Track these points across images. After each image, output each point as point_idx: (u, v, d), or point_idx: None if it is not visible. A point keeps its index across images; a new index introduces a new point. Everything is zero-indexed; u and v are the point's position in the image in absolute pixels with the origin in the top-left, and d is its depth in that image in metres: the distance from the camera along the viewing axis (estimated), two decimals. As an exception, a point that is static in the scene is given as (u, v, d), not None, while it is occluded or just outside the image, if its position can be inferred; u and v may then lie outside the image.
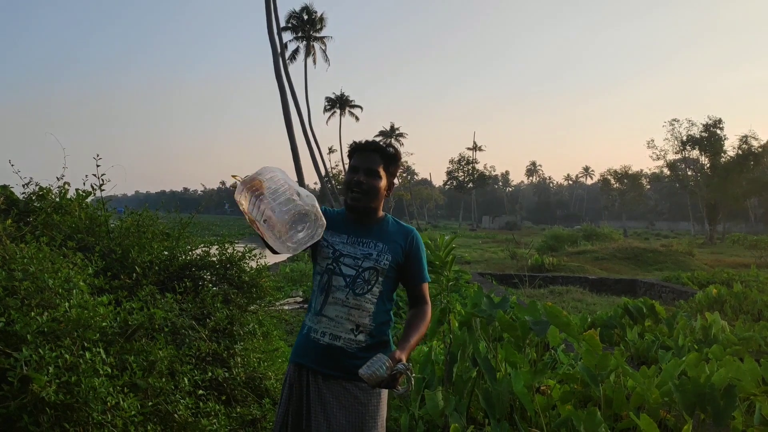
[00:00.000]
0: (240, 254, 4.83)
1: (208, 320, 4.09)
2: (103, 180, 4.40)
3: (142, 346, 3.37)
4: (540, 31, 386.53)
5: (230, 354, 4.32)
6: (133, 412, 2.84)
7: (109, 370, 2.86)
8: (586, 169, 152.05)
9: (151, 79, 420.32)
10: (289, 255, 2.79)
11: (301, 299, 11.78)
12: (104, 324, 2.93)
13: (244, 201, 2.21)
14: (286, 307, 9.95)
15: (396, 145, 2.64)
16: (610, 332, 7.42)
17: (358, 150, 2.54)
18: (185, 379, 3.43)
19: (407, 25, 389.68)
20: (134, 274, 3.97)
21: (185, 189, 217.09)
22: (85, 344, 2.88)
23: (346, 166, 2.62)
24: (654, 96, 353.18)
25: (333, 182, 58.99)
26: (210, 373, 3.67)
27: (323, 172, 46.26)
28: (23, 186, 4.25)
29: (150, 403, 3.08)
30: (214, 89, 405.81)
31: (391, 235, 2.54)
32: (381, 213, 2.62)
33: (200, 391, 3.63)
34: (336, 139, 71.87)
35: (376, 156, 2.49)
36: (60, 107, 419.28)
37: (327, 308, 2.47)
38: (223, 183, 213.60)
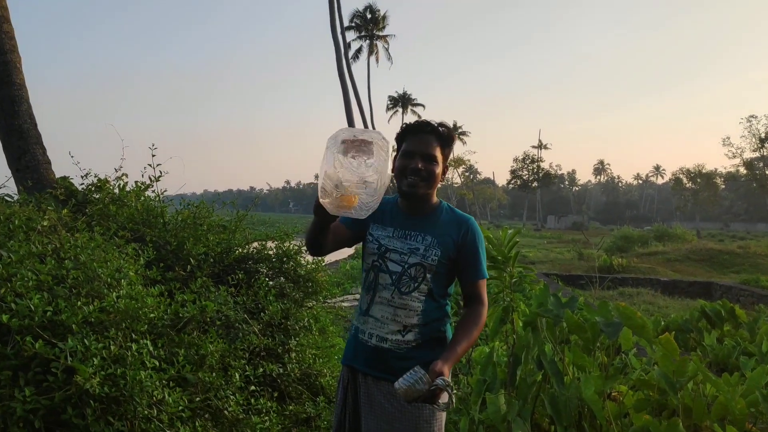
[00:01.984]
0: (297, 248, 4.72)
1: (262, 314, 3.99)
2: (161, 172, 4.38)
3: (193, 339, 3.28)
4: (608, 27, 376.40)
5: (285, 349, 4.21)
6: (180, 407, 2.74)
7: (157, 363, 2.77)
8: (657, 168, 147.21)
9: (212, 76, 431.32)
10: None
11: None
12: (153, 315, 2.84)
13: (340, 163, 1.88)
14: (344, 304, 9.85)
15: (448, 125, 2.37)
16: (685, 336, 7.00)
17: (410, 132, 2.32)
18: (236, 374, 3.32)
19: (470, 22, 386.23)
20: (189, 266, 3.91)
21: (251, 188, 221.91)
22: (133, 336, 2.80)
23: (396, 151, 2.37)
24: (730, 92, 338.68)
25: (394, 182, 58.77)
26: (262, 369, 3.55)
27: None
28: (82, 177, 4.26)
29: (198, 399, 2.98)
30: (278, 87, 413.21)
31: (443, 226, 2.31)
32: (435, 199, 2.40)
33: (252, 387, 3.52)
34: (399, 137, 71.86)
35: (432, 138, 2.28)
36: (128, 101, 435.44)
37: (373, 308, 2.32)
38: (287, 182, 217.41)
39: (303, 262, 4.70)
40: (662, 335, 3.57)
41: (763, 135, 51.55)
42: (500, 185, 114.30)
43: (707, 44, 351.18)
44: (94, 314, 2.64)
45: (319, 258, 4.87)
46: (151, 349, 2.72)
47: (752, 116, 53.11)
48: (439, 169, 2.28)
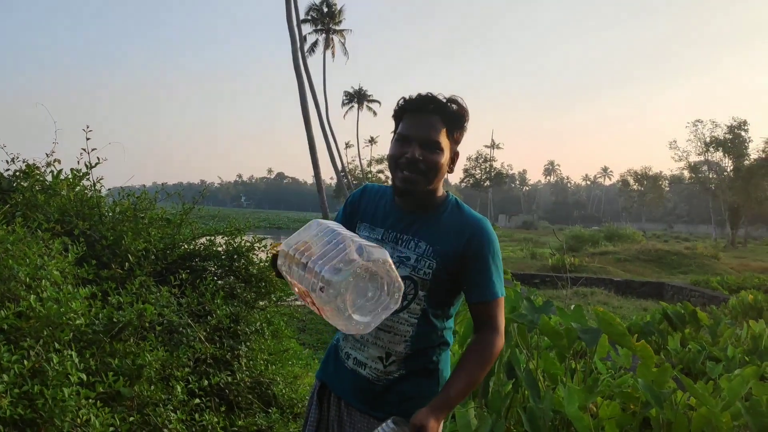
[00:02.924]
0: (248, 244, 4.35)
1: (209, 317, 3.61)
2: (98, 158, 3.95)
3: (130, 347, 2.90)
4: (558, 28, 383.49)
5: (234, 356, 3.85)
6: (110, 429, 2.36)
7: (84, 377, 2.38)
8: (605, 169, 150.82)
9: (167, 67, 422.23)
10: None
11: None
12: (80, 322, 2.45)
13: (287, 271, 1.59)
14: (299, 302, 9.46)
15: (461, 100, 1.84)
16: (647, 339, 6.87)
17: (408, 110, 1.82)
18: (178, 386, 2.95)
19: (425, 20, 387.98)
20: (126, 264, 3.51)
21: (202, 181, 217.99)
22: (56, 345, 2.41)
23: (391, 134, 1.88)
24: (676, 96, 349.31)
25: (349, 177, 58.55)
26: (206, 381, 3.19)
27: (340, 167, 45.78)
28: (7, 162, 3.80)
29: (132, 418, 2.59)
30: (232, 80, 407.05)
31: (444, 229, 1.82)
32: (441, 193, 1.90)
33: (196, 400, 3.15)
34: (353, 133, 71.51)
35: (436, 119, 1.78)
36: (73, 93, 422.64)
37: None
38: (239, 176, 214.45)
39: (255, 260, 4.33)
40: (638, 342, 3.36)
41: (708, 139, 53.01)
42: (453, 183, 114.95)
43: (657, 47, 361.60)
44: (8, 320, 2.24)
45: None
46: (76, 360, 2.33)
47: (698, 121, 54.47)
48: (444, 158, 1.80)
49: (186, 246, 4.19)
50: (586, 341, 3.23)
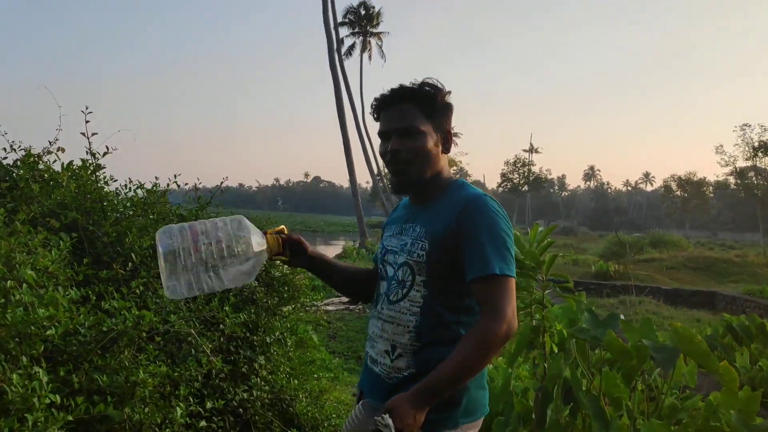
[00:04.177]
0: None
1: (222, 325, 3.18)
2: (107, 147, 3.56)
3: (125, 360, 2.48)
4: (601, 31, 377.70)
5: (251, 369, 3.41)
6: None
7: (57, 399, 1.96)
8: (647, 175, 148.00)
9: (202, 69, 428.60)
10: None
11: (347, 299, 10.85)
12: (50, 332, 2.03)
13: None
14: (329, 308, 9.02)
15: (434, 81, 1.85)
16: (710, 355, 6.25)
17: (382, 107, 1.84)
18: (178, 408, 2.51)
19: (463, 21, 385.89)
20: (130, 264, 3.09)
21: (240, 185, 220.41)
22: (25, 360, 1.99)
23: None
24: (723, 99, 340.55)
25: (385, 181, 58.12)
26: (211, 402, 2.74)
27: (375, 170, 45.42)
28: (5, 150, 3.43)
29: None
30: (269, 84, 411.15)
31: (439, 210, 1.77)
32: (447, 178, 1.86)
33: (202, 423, 2.71)
34: (388, 138, 71.07)
35: (408, 107, 1.79)
36: (108, 91, 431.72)
37: (369, 323, 1.93)
38: (276, 180, 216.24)
39: (277, 262, 3.89)
40: (722, 363, 2.82)
41: (756, 144, 51.16)
42: (490, 188, 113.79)
43: (702, 49, 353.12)
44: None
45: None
46: (44, 380, 1.90)
47: (746, 125, 52.58)
48: (428, 142, 1.78)
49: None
50: (660, 362, 2.70)
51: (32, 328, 1.95)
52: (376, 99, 1.84)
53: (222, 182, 3.90)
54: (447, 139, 1.85)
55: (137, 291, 2.99)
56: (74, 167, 3.53)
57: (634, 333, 2.91)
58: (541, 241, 2.68)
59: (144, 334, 2.54)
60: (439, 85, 1.84)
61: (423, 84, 1.81)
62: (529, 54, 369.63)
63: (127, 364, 2.49)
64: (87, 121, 3.08)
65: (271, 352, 3.59)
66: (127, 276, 3.12)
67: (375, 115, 1.86)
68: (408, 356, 1.73)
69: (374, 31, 52.87)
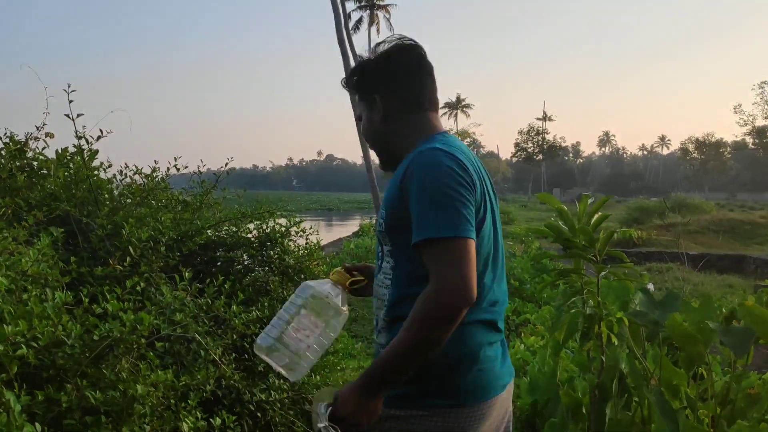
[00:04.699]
0: (283, 229, 3.57)
1: (235, 321, 2.86)
2: (101, 131, 3.23)
3: (121, 371, 2.18)
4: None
5: (269, 366, 3.10)
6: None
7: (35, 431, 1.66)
8: (662, 138, 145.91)
9: (210, 50, 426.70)
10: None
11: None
12: (21, 352, 1.72)
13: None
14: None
15: (361, 53, 1.80)
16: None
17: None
18: (186, 423, 2.20)
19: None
20: (128, 258, 2.78)
21: (254, 166, 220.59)
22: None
23: None
24: (740, 58, 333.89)
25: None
26: (221, 417, 2.43)
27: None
28: (-5, 138, 3.11)
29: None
30: (277, 62, 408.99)
31: (396, 175, 1.62)
32: (419, 138, 1.65)
33: (215, 434, 2.41)
34: (401, 111, 70.25)
35: (353, 94, 1.81)
36: (116, 78, 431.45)
37: None
38: (290, 159, 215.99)
39: (292, 247, 3.57)
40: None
41: (776, 101, 49.95)
42: (504, 159, 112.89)
43: (716, 8, 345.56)
44: None
45: (314, 242, 3.73)
46: (16, 409, 1.60)
47: (765, 82, 51.39)
48: (371, 120, 1.74)
49: (207, 233, 3.45)
50: (731, 346, 2.35)
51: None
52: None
53: (226, 163, 3.57)
54: (384, 101, 1.70)
55: (138, 288, 2.69)
56: (68, 154, 3.22)
57: (692, 313, 2.56)
58: (593, 215, 2.32)
59: (143, 340, 2.23)
60: (366, 56, 1.75)
61: (353, 71, 1.76)
62: (542, 19, 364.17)
63: (124, 375, 2.19)
64: (70, 101, 2.74)
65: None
66: (126, 272, 2.81)
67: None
68: (385, 332, 1.62)
69: (381, 3, 52.00)
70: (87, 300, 2.36)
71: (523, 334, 6.04)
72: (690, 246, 18.40)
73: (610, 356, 2.34)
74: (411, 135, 1.67)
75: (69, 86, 2.69)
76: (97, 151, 3.42)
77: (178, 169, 3.37)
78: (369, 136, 1.77)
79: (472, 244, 1.44)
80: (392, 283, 1.60)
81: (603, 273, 2.27)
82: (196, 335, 2.44)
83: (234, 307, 2.70)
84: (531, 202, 67.09)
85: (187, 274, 2.66)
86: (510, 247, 13.97)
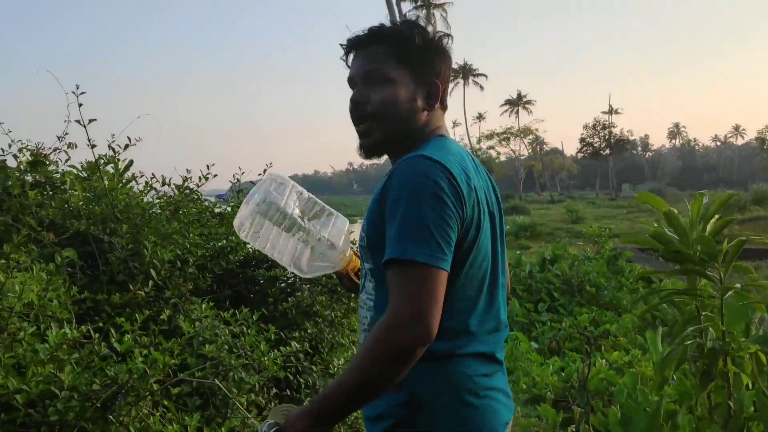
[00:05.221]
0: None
1: (262, 361, 2.45)
2: (130, 139, 2.91)
3: (129, 426, 1.81)
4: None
5: (309, 384, 2.73)
6: None
7: None
8: (737, 128, 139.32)
9: (271, 56, 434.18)
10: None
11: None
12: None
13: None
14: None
15: (420, 20, 1.48)
16: None
17: (349, 52, 1.52)
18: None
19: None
20: (150, 282, 2.43)
21: (316, 171, 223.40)
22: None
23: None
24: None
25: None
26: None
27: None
28: (2, 151, 2.83)
29: None
30: (333, 67, 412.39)
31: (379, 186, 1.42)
32: (428, 137, 1.47)
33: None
34: (459, 111, 69.31)
35: (379, 49, 1.45)
36: (168, 83, 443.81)
37: None
38: (350, 164, 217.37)
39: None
40: None
41: None
42: (569, 155, 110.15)
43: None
44: None
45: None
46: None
47: None
48: (400, 92, 1.43)
49: (247, 248, 3.09)
50: None
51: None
52: (341, 44, 1.52)
53: (265, 170, 3.19)
54: (433, 93, 1.48)
55: (163, 317, 2.34)
56: (94, 165, 2.90)
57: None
58: (710, 219, 1.80)
59: (155, 386, 1.85)
60: (419, 23, 1.50)
61: (400, 23, 1.51)
62: (606, 8, 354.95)
63: (137, 424, 1.83)
64: (80, 104, 2.40)
65: (334, 366, 2.89)
66: (149, 298, 2.46)
67: (345, 63, 1.54)
68: None
69: (437, 2, 51.46)
70: (97, 336, 2.02)
71: (603, 348, 5.46)
72: (777, 241, 17.10)
73: (739, 401, 1.82)
74: (426, 134, 1.47)
75: (77, 88, 2.35)
76: (131, 162, 3.13)
77: (206, 178, 3.00)
78: (391, 109, 1.43)
79: (442, 276, 1.23)
80: (374, 304, 1.42)
81: (728, 294, 1.76)
82: (217, 381, 2.04)
83: (262, 346, 2.29)
84: (599, 198, 64.96)
85: (205, 303, 2.28)
86: (581, 248, 13.25)
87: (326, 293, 3.08)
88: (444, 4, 51.68)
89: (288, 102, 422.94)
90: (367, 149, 1.49)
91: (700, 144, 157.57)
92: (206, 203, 3.20)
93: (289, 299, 2.87)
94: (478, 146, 69.33)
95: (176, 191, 2.96)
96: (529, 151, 76.49)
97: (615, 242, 16.22)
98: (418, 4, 50.90)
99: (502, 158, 73.52)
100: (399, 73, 1.44)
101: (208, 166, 2.97)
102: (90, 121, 2.51)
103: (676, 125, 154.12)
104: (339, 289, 3.09)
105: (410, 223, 1.25)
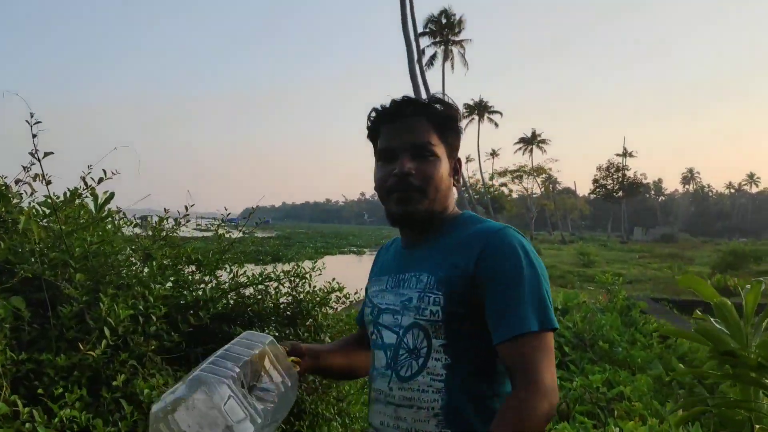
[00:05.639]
0: (319, 296, 2.84)
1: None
2: (106, 173, 2.61)
3: None
4: (695, 20, 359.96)
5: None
6: None
7: None
8: (751, 176, 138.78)
9: (282, 84, 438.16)
10: None
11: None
12: None
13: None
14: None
15: (443, 95, 1.51)
16: None
17: (385, 120, 1.50)
18: None
19: (552, 22, 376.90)
20: (104, 342, 2.11)
21: (327, 200, 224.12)
22: None
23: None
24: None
25: (470, 192, 56.60)
26: None
27: (461, 182, 44.25)
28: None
29: None
30: (348, 98, 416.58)
31: (448, 250, 1.41)
32: (453, 212, 1.51)
33: None
34: (473, 147, 69.09)
35: (421, 121, 1.46)
36: (188, 108, 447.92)
37: (372, 410, 1.46)
38: (362, 194, 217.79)
39: (326, 319, 2.83)
40: None
41: None
42: (581, 195, 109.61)
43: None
44: None
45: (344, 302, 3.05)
46: None
47: None
48: (443, 168, 1.46)
49: (229, 299, 2.76)
50: None
51: None
52: (375, 110, 1.52)
53: (257, 204, 2.88)
54: (457, 170, 1.56)
55: (117, 383, 2.03)
56: (57, 204, 2.60)
57: None
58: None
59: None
60: (453, 103, 1.54)
61: (436, 99, 1.52)
62: (621, 51, 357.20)
63: None
64: (33, 135, 2.10)
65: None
66: (105, 358, 2.14)
67: (371, 130, 1.55)
68: None
69: (456, 39, 51.75)
70: (26, 410, 1.70)
71: (616, 413, 5.04)
72: (795, 296, 16.57)
73: None
74: (451, 208, 1.53)
75: (32, 116, 2.06)
76: (111, 195, 2.82)
77: (180, 222, 2.69)
78: (436, 183, 1.44)
79: None
80: (446, 385, 1.34)
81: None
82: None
83: None
84: (610, 241, 64.35)
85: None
86: (593, 294, 12.82)
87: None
88: (462, 41, 51.95)
89: (303, 131, 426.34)
90: (407, 216, 1.45)
91: (714, 190, 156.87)
92: (185, 246, 2.88)
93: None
94: (490, 182, 69.09)
95: (150, 233, 2.64)
96: (542, 189, 76.06)
97: (627, 289, 15.81)
98: (437, 40, 51.22)
99: (514, 195, 73.20)
100: (440, 150, 1.46)
101: (186, 207, 2.66)
102: (46, 154, 2.21)
103: (690, 170, 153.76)
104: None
105: (536, 293, 1.30)
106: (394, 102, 1.50)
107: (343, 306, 3.02)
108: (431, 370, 1.36)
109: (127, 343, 2.27)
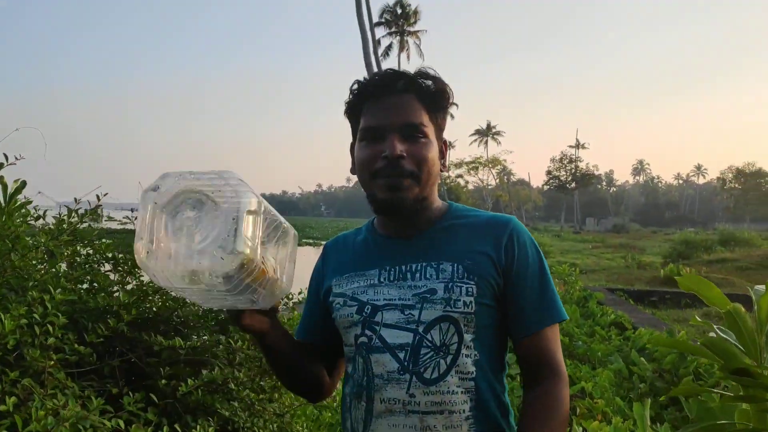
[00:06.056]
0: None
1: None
2: (6, 157, 2.24)
3: None
4: (646, 17, 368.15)
5: None
6: None
7: None
8: (698, 167, 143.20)
9: (235, 73, 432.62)
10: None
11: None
12: None
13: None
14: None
15: (432, 70, 1.36)
16: None
17: (370, 95, 1.35)
18: None
19: (503, 14, 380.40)
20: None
21: (284, 192, 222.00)
22: None
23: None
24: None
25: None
26: None
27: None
28: None
29: None
30: (304, 88, 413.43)
31: (468, 239, 1.33)
32: (438, 202, 1.43)
33: None
34: (430, 139, 68.72)
35: (410, 98, 1.34)
36: (145, 98, 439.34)
37: (380, 426, 1.26)
38: (319, 185, 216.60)
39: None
40: None
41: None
42: (535, 187, 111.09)
43: (759, 32, 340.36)
44: None
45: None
46: None
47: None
48: (434, 150, 1.36)
49: (150, 305, 2.41)
50: None
51: None
52: (358, 83, 1.36)
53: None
54: (444, 152, 1.45)
55: (5, 408, 1.70)
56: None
57: None
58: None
59: None
60: (443, 80, 1.40)
61: (424, 74, 1.37)
62: (575, 44, 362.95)
63: None
64: None
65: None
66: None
67: (353, 106, 1.39)
68: None
69: (411, 30, 51.54)
70: None
71: (578, 411, 4.84)
72: (744, 285, 16.91)
73: None
74: (437, 190, 1.43)
75: None
76: (23, 184, 2.43)
77: (93, 213, 2.31)
78: (426, 163, 1.33)
79: None
80: (476, 384, 1.27)
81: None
82: None
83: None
84: (564, 231, 65.24)
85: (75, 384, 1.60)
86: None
87: (246, 365, 2.40)
88: (418, 32, 51.78)
89: (254, 119, 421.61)
90: (398, 203, 1.30)
91: (663, 181, 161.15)
92: (103, 242, 2.51)
93: (194, 379, 2.18)
94: (446, 174, 69.25)
95: (52, 228, 2.26)
96: (497, 181, 76.63)
97: (583, 279, 15.84)
98: (392, 30, 50.95)
99: (470, 187, 73.60)
100: (430, 130, 1.37)
101: (98, 197, 2.28)
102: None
103: (641, 162, 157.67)
104: (252, 364, 2.42)
105: (552, 284, 1.33)
106: (382, 75, 1.35)
107: (284, 309, 2.69)
108: (461, 368, 1.26)
109: (21, 359, 1.91)
